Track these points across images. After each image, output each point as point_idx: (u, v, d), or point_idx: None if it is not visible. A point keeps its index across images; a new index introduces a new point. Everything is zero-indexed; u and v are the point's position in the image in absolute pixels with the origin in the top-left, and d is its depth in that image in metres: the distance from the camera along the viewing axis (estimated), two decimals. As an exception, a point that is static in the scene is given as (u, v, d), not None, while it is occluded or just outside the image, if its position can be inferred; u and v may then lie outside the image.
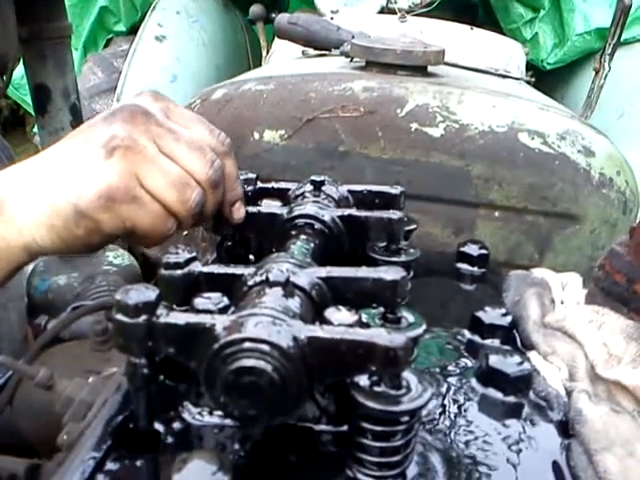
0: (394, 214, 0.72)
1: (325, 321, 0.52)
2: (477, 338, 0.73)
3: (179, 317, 0.50)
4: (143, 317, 0.50)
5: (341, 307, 0.54)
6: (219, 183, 0.70)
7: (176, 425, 0.56)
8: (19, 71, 1.46)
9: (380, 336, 0.48)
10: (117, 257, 1.47)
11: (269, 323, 0.48)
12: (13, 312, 1.16)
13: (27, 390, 0.73)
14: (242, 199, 0.75)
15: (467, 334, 0.74)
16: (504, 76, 1.66)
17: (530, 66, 2.52)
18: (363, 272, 0.59)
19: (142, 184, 0.66)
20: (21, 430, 0.76)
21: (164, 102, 0.71)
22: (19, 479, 0.59)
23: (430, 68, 1.33)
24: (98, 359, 0.73)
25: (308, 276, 0.57)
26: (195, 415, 0.56)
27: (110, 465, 0.52)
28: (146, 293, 0.50)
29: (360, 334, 0.48)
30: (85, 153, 0.65)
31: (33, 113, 1.42)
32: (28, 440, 0.75)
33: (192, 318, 0.50)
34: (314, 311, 0.56)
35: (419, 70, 1.29)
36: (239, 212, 0.75)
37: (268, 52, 2.44)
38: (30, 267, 1.39)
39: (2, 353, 0.81)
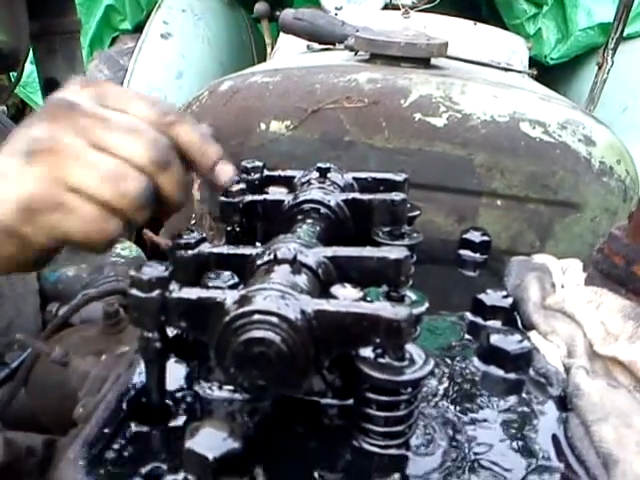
0: (397, 195, 0.74)
1: (331, 297, 0.54)
2: (479, 319, 0.75)
3: (191, 292, 0.52)
4: (156, 292, 0.52)
5: (346, 284, 0.56)
6: (168, 162, 0.61)
7: (187, 399, 0.58)
8: (26, 68, 1.48)
9: (384, 309, 0.50)
10: (125, 249, 1.49)
11: (278, 297, 0.50)
12: (30, 304, 1.18)
13: (42, 370, 0.76)
14: (221, 157, 0.66)
15: (469, 316, 0.76)
16: (506, 69, 1.68)
17: (533, 61, 2.53)
18: (368, 251, 0.61)
19: (70, 187, 0.58)
20: (36, 409, 0.78)
21: (95, 87, 0.63)
22: (37, 453, 0.61)
23: (433, 60, 1.35)
24: (109, 341, 0.75)
25: (315, 255, 0.59)
26: (206, 389, 0.58)
27: (124, 436, 0.54)
28: (159, 269, 0.53)
29: (365, 307, 0.50)
30: (6, 164, 0.59)
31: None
32: (42, 420, 0.77)
33: (203, 293, 0.52)
34: (320, 288, 0.58)
35: (422, 62, 1.31)
36: (225, 172, 0.65)
37: (273, 49, 2.46)
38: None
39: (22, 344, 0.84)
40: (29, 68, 1.43)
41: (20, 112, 4.91)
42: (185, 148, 0.63)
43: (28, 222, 0.58)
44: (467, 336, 0.74)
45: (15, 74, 1.33)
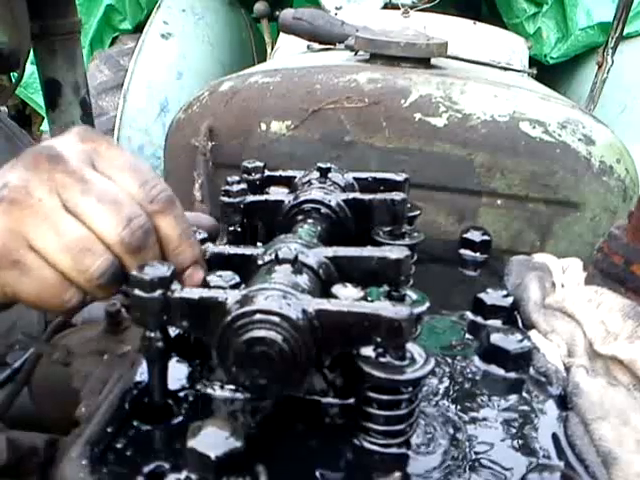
0: (397, 195, 0.74)
1: (332, 297, 0.55)
2: (479, 319, 0.75)
3: (193, 292, 0.53)
4: (158, 292, 0.52)
5: (347, 284, 0.57)
6: (141, 247, 0.56)
7: (189, 398, 0.58)
8: (27, 69, 1.49)
9: (385, 308, 0.50)
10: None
11: (279, 296, 0.51)
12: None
13: (44, 370, 0.76)
14: (197, 262, 0.61)
15: (470, 315, 0.76)
16: (506, 69, 1.68)
17: (533, 61, 2.53)
18: (368, 251, 0.61)
19: (30, 245, 0.54)
20: (38, 409, 0.78)
21: (93, 143, 0.59)
22: (39, 452, 0.61)
23: (433, 60, 1.35)
24: (111, 341, 0.76)
25: (315, 255, 0.59)
26: (207, 389, 0.59)
27: (126, 435, 0.54)
28: (161, 269, 0.53)
29: (366, 307, 0.51)
30: None
31: (43, 108, 1.45)
32: (44, 420, 0.77)
33: (205, 293, 0.53)
34: (321, 288, 0.58)
35: (422, 62, 1.31)
36: (191, 279, 0.60)
37: (273, 49, 2.46)
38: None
39: (24, 345, 0.84)
40: (29, 69, 1.44)
41: (21, 113, 4.92)
42: (162, 241, 0.58)
43: None
44: (467, 335, 0.74)
45: (16, 75, 1.34)
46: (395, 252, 0.60)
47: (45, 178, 0.55)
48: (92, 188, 0.55)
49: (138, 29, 3.16)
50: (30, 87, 3.46)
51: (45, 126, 3.60)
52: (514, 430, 0.59)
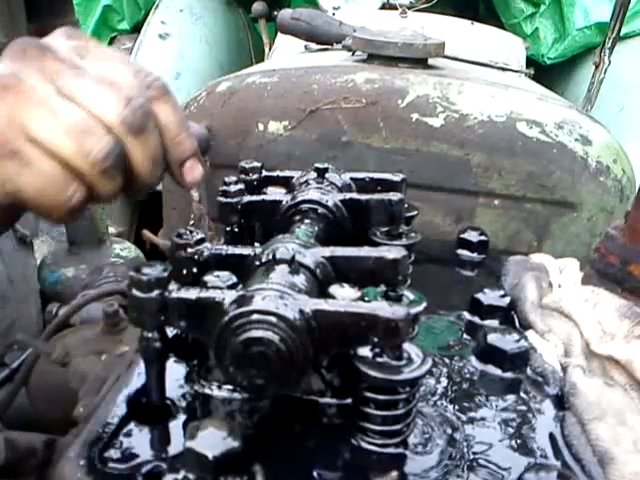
0: (394, 195, 0.74)
1: (329, 297, 0.55)
2: (477, 319, 0.76)
3: (190, 292, 0.53)
4: (156, 292, 0.52)
5: (344, 284, 0.57)
6: (142, 127, 0.53)
7: (187, 398, 0.58)
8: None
9: (382, 308, 0.50)
10: (124, 249, 1.49)
11: (276, 297, 0.51)
12: (32, 305, 1.19)
13: (42, 370, 0.76)
14: (195, 155, 0.59)
15: (467, 315, 0.77)
16: (503, 69, 1.68)
17: (531, 61, 2.54)
18: (365, 251, 0.61)
19: (28, 135, 0.51)
20: (36, 409, 0.78)
21: (80, 40, 0.56)
22: (37, 452, 0.61)
23: (430, 60, 1.35)
24: (109, 341, 0.76)
25: (313, 255, 0.59)
26: (205, 389, 0.59)
27: (124, 435, 0.54)
28: (158, 269, 0.53)
29: (363, 307, 0.51)
30: None
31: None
32: (42, 420, 0.77)
33: (202, 293, 0.53)
34: (318, 288, 0.58)
35: (420, 62, 1.31)
36: (192, 173, 0.59)
37: (270, 49, 2.46)
38: (39, 260, 1.42)
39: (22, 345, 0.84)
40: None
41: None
42: (160, 131, 0.56)
43: None
44: (465, 335, 0.75)
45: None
46: (392, 252, 0.60)
47: (36, 65, 0.52)
48: (87, 72, 0.53)
49: (136, 29, 3.16)
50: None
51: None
52: (511, 430, 0.59)
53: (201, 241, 0.62)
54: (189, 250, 0.60)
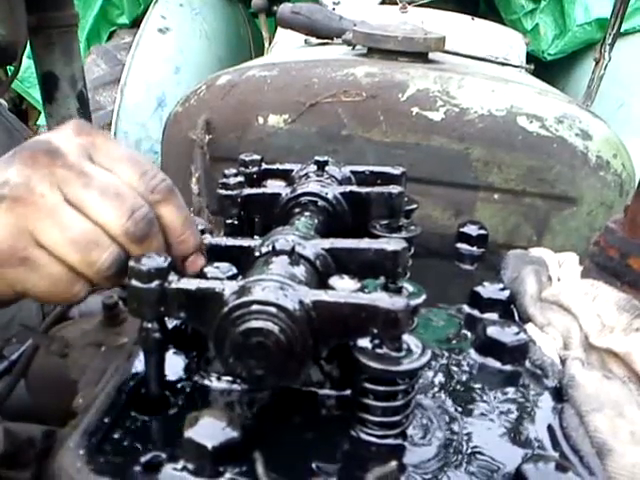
0: (394, 188, 0.74)
1: (329, 288, 0.55)
2: (476, 312, 0.76)
3: (190, 282, 0.53)
4: (156, 282, 0.52)
5: (344, 276, 0.57)
6: (145, 236, 0.56)
7: (186, 389, 0.58)
8: (23, 63, 1.49)
9: (382, 299, 0.50)
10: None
11: (276, 287, 0.51)
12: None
13: (41, 362, 0.76)
14: (198, 250, 0.62)
15: (466, 309, 0.77)
16: (503, 64, 1.68)
17: (531, 57, 2.54)
18: (365, 243, 0.61)
19: (38, 241, 0.55)
20: (35, 401, 0.78)
21: (89, 137, 0.59)
22: (36, 443, 0.61)
23: (431, 55, 1.35)
24: (108, 333, 0.76)
25: (313, 247, 0.59)
26: (204, 380, 0.59)
27: (124, 425, 0.54)
28: (158, 260, 0.53)
29: (363, 298, 0.51)
30: None
31: (39, 103, 1.45)
32: (41, 411, 0.77)
33: (202, 283, 0.53)
34: (318, 280, 0.58)
35: (420, 56, 1.31)
36: (193, 266, 0.61)
37: (270, 44, 2.46)
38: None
39: (21, 338, 0.84)
40: (26, 63, 1.43)
41: (17, 107, 4.91)
42: (164, 230, 0.59)
43: None
44: (464, 328, 0.75)
45: (12, 68, 1.34)
46: (392, 244, 0.60)
47: (45, 173, 0.55)
48: (93, 181, 0.56)
49: (135, 24, 3.16)
50: (26, 81, 3.45)
51: (41, 121, 3.60)
52: (510, 421, 0.59)
53: (201, 233, 0.62)
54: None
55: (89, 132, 0.59)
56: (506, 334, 0.66)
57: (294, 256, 0.57)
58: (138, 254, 0.55)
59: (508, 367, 0.66)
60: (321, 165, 0.81)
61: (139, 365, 0.60)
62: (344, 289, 0.54)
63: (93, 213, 0.55)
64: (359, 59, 1.32)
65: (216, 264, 0.59)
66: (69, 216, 0.55)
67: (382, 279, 0.63)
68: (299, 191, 0.76)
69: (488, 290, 0.76)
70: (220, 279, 0.55)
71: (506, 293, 0.76)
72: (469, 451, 0.54)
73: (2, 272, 0.55)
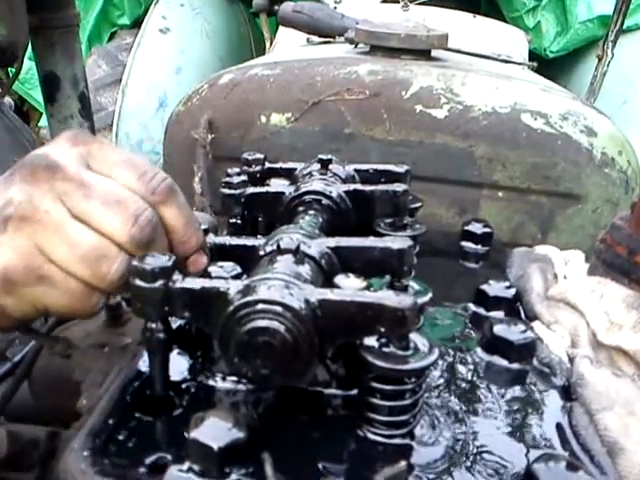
0: (399, 187, 0.74)
1: (335, 287, 0.54)
2: (482, 310, 0.75)
3: (194, 282, 0.52)
4: (160, 282, 0.52)
5: (350, 274, 0.56)
6: (150, 240, 0.57)
7: (191, 390, 0.58)
8: (24, 64, 1.49)
9: (388, 298, 0.50)
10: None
11: (281, 286, 0.50)
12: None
13: (45, 363, 0.76)
14: (201, 249, 0.63)
15: (472, 307, 0.76)
16: (506, 61, 1.67)
17: (533, 54, 2.53)
18: (371, 242, 0.61)
19: (51, 258, 0.55)
20: (38, 402, 0.78)
21: (85, 146, 0.59)
22: (40, 445, 0.61)
23: (433, 52, 1.35)
24: (112, 334, 0.75)
25: (318, 245, 0.59)
26: (209, 380, 0.58)
27: (128, 426, 0.53)
28: (162, 259, 0.52)
29: (369, 296, 0.50)
30: None
31: (41, 104, 1.45)
32: (45, 413, 0.77)
33: (207, 283, 0.52)
34: (324, 279, 0.58)
35: (423, 54, 1.31)
36: (196, 265, 0.62)
37: (271, 43, 2.46)
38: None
39: (24, 339, 0.83)
40: (27, 64, 1.43)
41: (18, 109, 4.91)
42: (167, 230, 0.59)
43: (8, 294, 0.56)
44: (470, 327, 0.74)
45: (13, 69, 1.33)
46: (398, 242, 0.60)
47: (47, 189, 0.55)
48: (94, 191, 0.56)
49: (136, 24, 3.16)
50: (28, 82, 3.45)
51: (43, 122, 3.59)
52: (518, 420, 0.58)
53: (204, 232, 0.62)
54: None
55: (85, 141, 0.59)
56: (513, 332, 0.66)
57: (299, 255, 0.56)
58: None
59: (515, 365, 0.65)
60: (325, 163, 0.81)
61: (143, 366, 0.59)
62: (350, 288, 0.54)
63: (98, 224, 0.55)
64: (362, 57, 1.31)
65: (220, 263, 0.58)
66: (75, 231, 0.55)
67: (387, 278, 0.62)
68: (303, 190, 0.75)
69: (494, 288, 0.75)
70: (225, 278, 0.55)
71: (512, 291, 0.75)
72: (477, 451, 0.54)
73: (22, 292, 0.56)
